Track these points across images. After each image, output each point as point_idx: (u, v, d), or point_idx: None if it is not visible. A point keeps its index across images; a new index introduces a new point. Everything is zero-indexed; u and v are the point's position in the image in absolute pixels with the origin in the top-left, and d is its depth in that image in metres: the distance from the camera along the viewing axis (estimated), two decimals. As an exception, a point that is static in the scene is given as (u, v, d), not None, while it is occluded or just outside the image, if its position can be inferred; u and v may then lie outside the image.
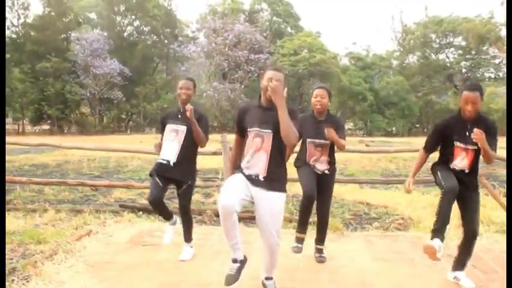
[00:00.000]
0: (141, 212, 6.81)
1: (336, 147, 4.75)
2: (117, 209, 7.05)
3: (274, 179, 3.54)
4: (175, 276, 4.28)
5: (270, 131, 3.51)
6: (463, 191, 3.96)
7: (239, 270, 3.58)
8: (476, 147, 3.88)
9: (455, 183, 3.90)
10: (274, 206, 3.52)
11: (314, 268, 4.56)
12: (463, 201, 4.02)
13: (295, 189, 9.19)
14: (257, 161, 3.53)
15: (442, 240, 3.87)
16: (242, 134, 3.70)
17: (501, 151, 8.27)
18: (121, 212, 6.82)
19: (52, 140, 10.41)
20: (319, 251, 4.86)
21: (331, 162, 4.74)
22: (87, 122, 45.20)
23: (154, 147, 4.95)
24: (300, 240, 4.72)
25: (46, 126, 45.99)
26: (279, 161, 3.58)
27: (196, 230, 5.74)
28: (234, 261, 3.56)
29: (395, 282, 4.20)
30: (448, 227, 3.91)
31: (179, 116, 4.73)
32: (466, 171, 4.00)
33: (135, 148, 8.59)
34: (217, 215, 6.71)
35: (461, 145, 3.96)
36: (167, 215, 4.92)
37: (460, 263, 4.10)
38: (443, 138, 4.06)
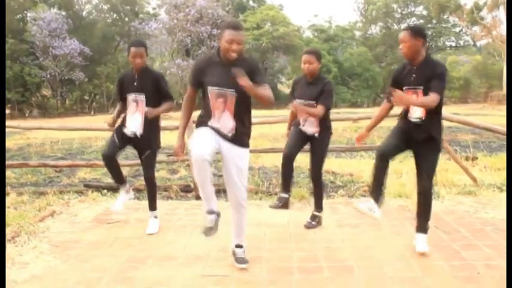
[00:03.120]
0: (105, 191, 6.71)
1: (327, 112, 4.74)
2: (81, 189, 6.93)
3: (240, 137, 3.67)
4: (143, 251, 4.26)
5: (234, 90, 3.56)
6: (418, 146, 3.99)
7: (217, 223, 3.59)
8: (422, 87, 3.87)
9: (388, 147, 4.06)
10: (240, 160, 3.68)
11: (280, 237, 4.59)
12: (418, 157, 4.04)
13: (261, 160, 9.25)
14: (224, 121, 3.63)
15: (377, 201, 4.11)
16: (198, 87, 3.76)
17: (468, 117, 8.43)
18: (85, 192, 6.71)
19: (13, 123, 10.14)
20: (312, 217, 4.91)
21: (323, 126, 4.70)
22: (49, 104, 44.11)
23: (108, 125, 4.99)
24: (281, 199, 4.74)
25: (6, 111, 44.86)
26: (244, 119, 3.69)
27: (163, 205, 5.74)
28: (210, 212, 3.56)
29: (360, 246, 4.27)
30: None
31: (135, 84, 4.67)
32: (424, 118, 3.95)
33: (96, 126, 8.43)
34: (183, 190, 6.76)
35: (410, 88, 3.96)
36: (119, 177, 4.88)
37: (418, 224, 4.11)
38: (398, 86, 4.02)
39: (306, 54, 4.69)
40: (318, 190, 4.89)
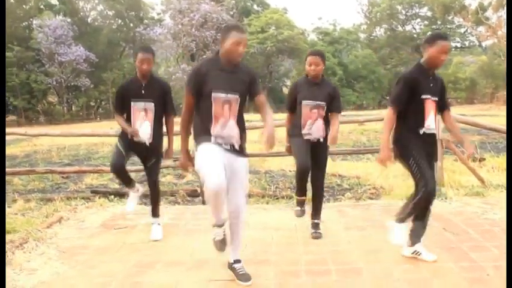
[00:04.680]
0: (112, 196, 6.73)
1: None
2: (88, 195, 6.96)
3: (243, 146, 3.57)
4: (150, 256, 4.26)
5: (238, 95, 3.46)
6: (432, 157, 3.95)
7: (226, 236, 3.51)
8: (437, 98, 3.81)
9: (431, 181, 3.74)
10: (245, 171, 3.55)
11: (288, 240, 4.58)
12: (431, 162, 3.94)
13: (268, 164, 9.24)
14: (230, 130, 3.44)
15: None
16: (199, 96, 3.47)
17: (475, 118, 8.39)
18: (92, 198, 6.73)
19: (20, 130, 10.17)
20: (315, 226, 4.70)
21: (327, 130, 4.51)
22: (55, 111, 44.29)
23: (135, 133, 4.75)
24: (300, 203, 4.67)
25: (13, 118, 45.01)
26: (243, 126, 3.59)
27: (170, 210, 5.77)
28: (220, 225, 3.41)
29: (368, 249, 4.25)
30: None
31: (143, 92, 4.64)
32: (435, 131, 3.89)
33: (102, 132, 8.46)
34: (190, 195, 6.75)
35: (430, 97, 3.77)
36: (129, 181, 4.92)
37: (414, 234, 3.90)
38: (412, 93, 3.74)
39: (313, 56, 4.50)
40: (320, 199, 4.72)
